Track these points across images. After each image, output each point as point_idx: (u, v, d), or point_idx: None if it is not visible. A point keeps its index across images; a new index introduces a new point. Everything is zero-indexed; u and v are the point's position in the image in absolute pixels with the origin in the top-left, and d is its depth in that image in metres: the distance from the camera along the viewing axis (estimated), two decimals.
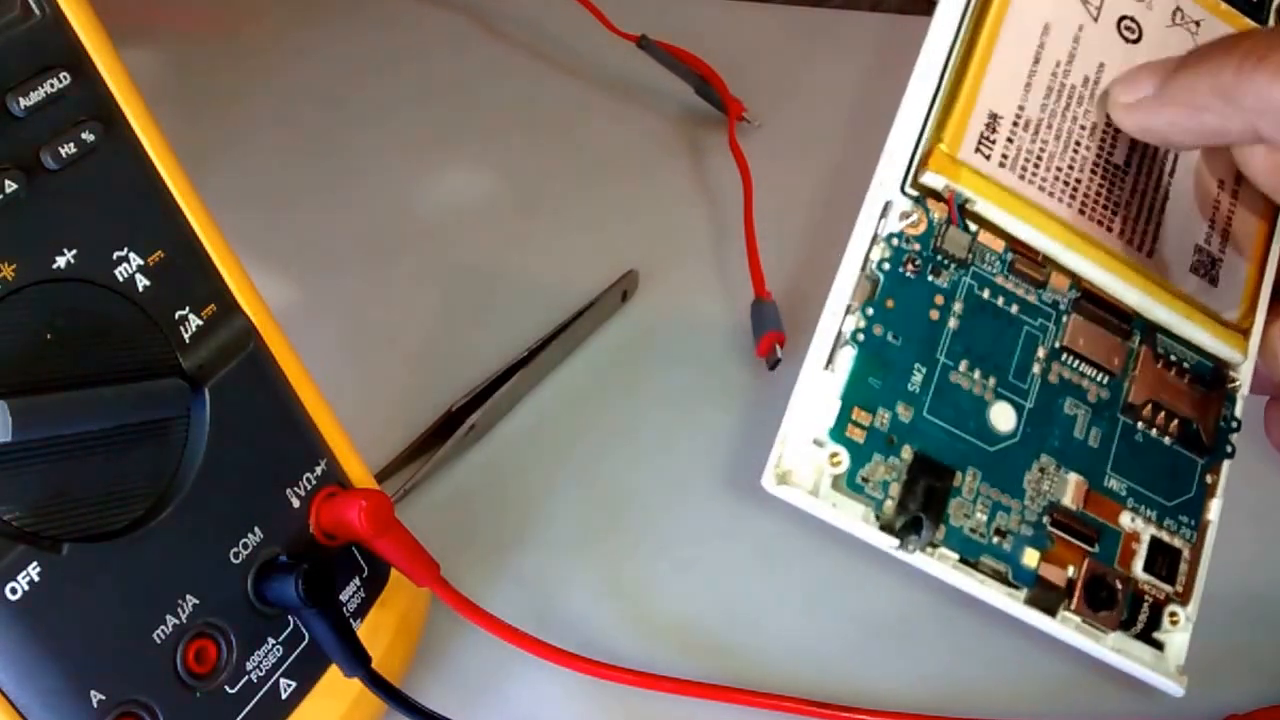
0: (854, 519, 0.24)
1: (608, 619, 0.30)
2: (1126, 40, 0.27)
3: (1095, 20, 0.27)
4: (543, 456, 0.35)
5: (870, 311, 0.25)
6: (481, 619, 0.26)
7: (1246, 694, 0.28)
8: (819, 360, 0.25)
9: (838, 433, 0.24)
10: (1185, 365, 0.27)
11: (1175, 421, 0.26)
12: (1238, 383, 0.27)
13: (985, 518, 0.25)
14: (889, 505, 0.24)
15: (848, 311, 0.25)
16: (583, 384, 0.37)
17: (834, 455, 0.24)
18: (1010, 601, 0.25)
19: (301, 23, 0.52)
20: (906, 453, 0.24)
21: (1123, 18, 0.27)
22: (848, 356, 0.24)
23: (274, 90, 0.49)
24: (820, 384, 0.24)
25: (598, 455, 0.34)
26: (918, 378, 0.25)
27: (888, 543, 0.24)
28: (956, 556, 0.24)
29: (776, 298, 0.37)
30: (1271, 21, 0.29)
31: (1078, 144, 0.26)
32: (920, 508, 0.24)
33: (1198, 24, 0.28)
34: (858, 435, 0.24)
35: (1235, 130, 0.24)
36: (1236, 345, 0.27)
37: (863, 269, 0.25)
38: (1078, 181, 0.26)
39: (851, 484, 0.24)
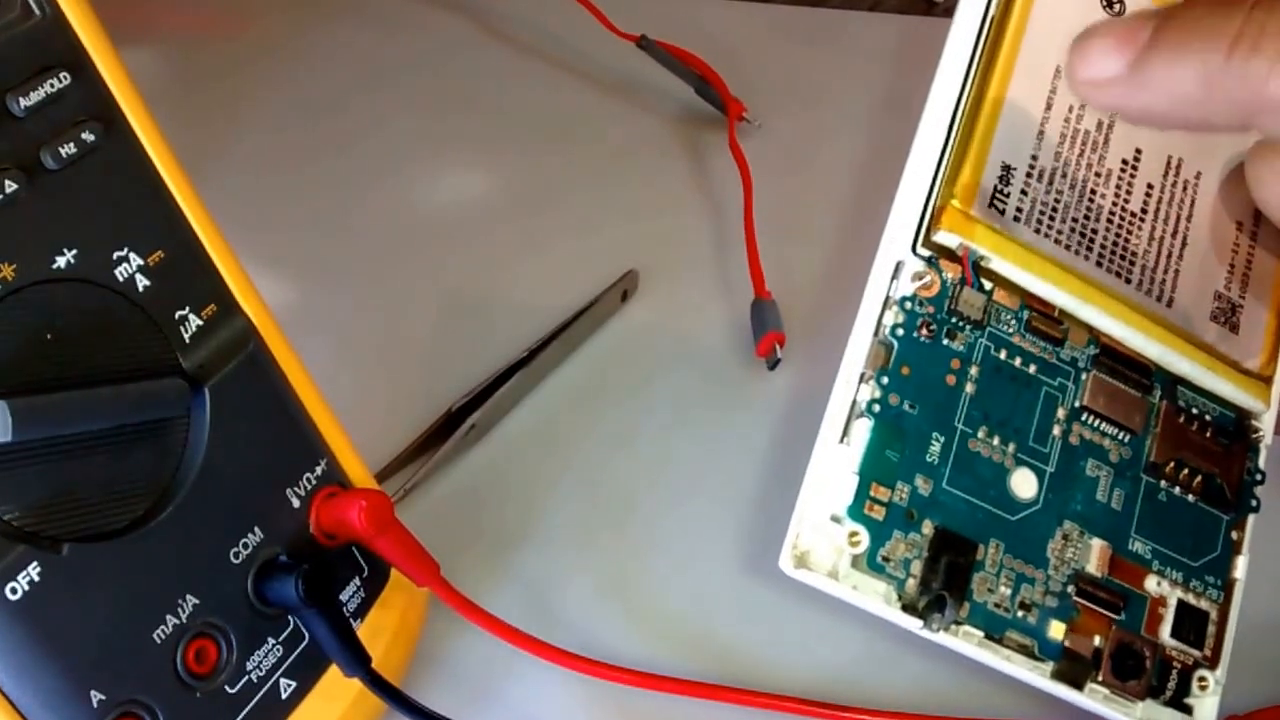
0: (875, 600, 0.23)
1: (608, 619, 0.30)
2: None
3: None
4: (543, 456, 0.35)
5: (885, 380, 0.24)
6: (481, 619, 0.26)
7: (1245, 695, 0.28)
8: (834, 433, 0.24)
9: (856, 510, 0.24)
10: (1207, 418, 0.26)
11: (1198, 478, 0.26)
12: (1260, 433, 0.26)
13: (1009, 591, 0.24)
14: (911, 584, 0.24)
15: (862, 380, 0.24)
16: (583, 384, 0.37)
17: (853, 535, 0.23)
18: (1036, 676, 0.24)
19: (302, 24, 0.52)
20: (927, 527, 0.24)
21: None
22: (864, 429, 0.24)
23: (275, 91, 0.49)
24: (836, 458, 0.24)
25: (598, 455, 0.34)
26: (936, 447, 0.24)
27: (911, 623, 0.24)
28: (981, 633, 0.24)
29: (776, 297, 0.37)
30: None
31: (1093, 192, 0.25)
32: (943, 585, 0.24)
33: None
34: (877, 512, 0.24)
35: (1222, 122, 0.21)
36: (1259, 394, 0.26)
37: (875, 334, 0.24)
38: (1093, 232, 0.25)
39: (872, 563, 0.24)
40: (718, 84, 0.45)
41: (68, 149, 0.21)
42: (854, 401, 0.24)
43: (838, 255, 0.40)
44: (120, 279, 0.22)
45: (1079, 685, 0.24)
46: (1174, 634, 0.25)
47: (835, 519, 0.24)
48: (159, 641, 0.22)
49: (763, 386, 0.36)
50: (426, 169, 0.45)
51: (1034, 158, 0.25)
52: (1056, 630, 0.24)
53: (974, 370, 0.25)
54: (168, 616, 0.22)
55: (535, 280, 0.40)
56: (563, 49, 0.50)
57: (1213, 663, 0.25)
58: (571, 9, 0.47)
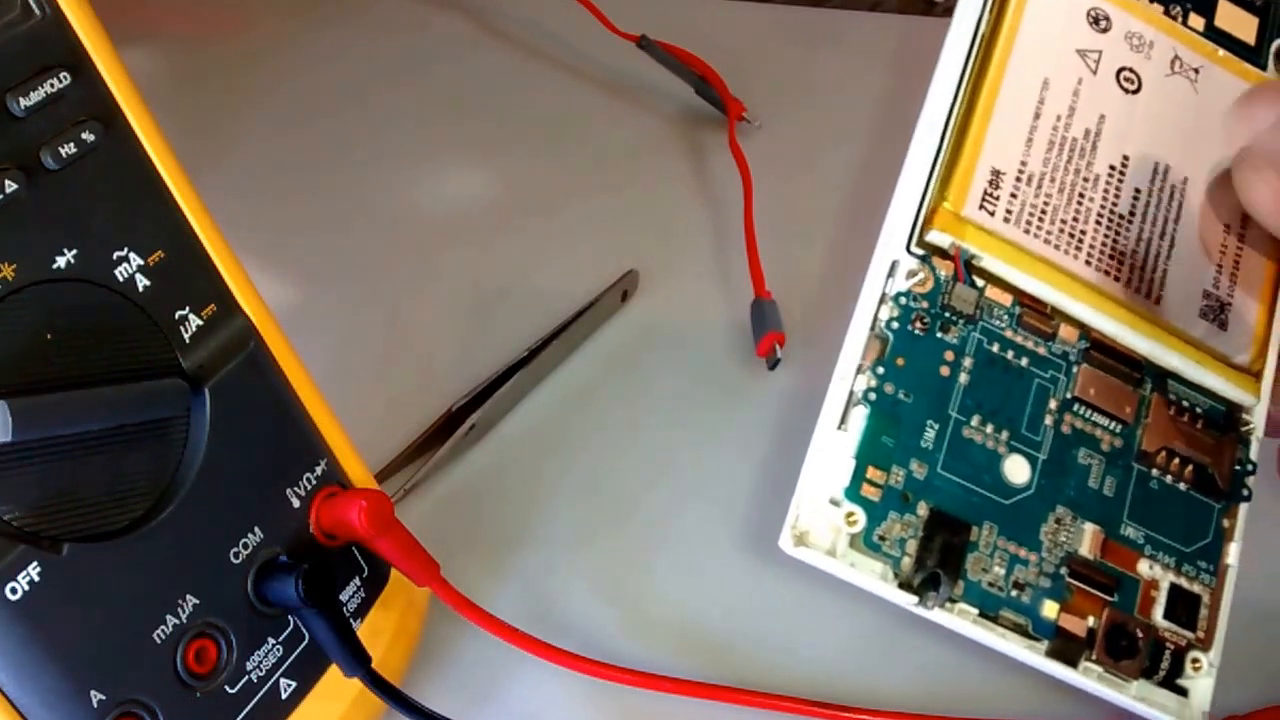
0: (872, 577, 0.24)
1: (608, 619, 0.30)
2: (1126, 91, 0.27)
3: (1094, 73, 0.27)
4: (543, 456, 0.35)
5: (881, 370, 0.25)
6: (481, 619, 0.26)
7: (1245, 695, 0.28)
8: (832, 420, 0.25)
9: (853, 492, 0.24)
10: (1198, 410, 0.27)
11: (1190, 467, 0.26)
12: (1251, 425, 0.27)
13: (1003, 571, 0.25)
14: (906, 562, 0.24)
15: (859, 371, 0.25)
16: (583, 384, 0.37)
17: (850, 515, 0.24)
18: (1031, 654, 0.25)
19: (301, 25, 0.52)
20: (922, 509, 0.25)
21: (1121, 69, 0.27)
22: (860, 416, 0.25)
23: (275, 92, 0.49)
24: (834, 444, 0.25)
25: (598, 455, 0.34)
26: (931, 434, 0.25)
27: (907, 600, 0.24)
28: (976, 611, 0.25)
29: (776, 297, 0.37)
30: (1270, 67, 0.29)
31: (1081, 195, 0.26)
32: (938, 564, 0.24)
33: (1196, 71, 0.28)
34: (873, 494, 0.24)
35: None
36: (1248, 388, 0.27)
37: (872, 328, 0.25)
38: (1082, 233, 0.26)
39: (868, 542, 0.24)
40: (718, 84, 0.45)
41: (68, 149, 0.21)
42: (851, 391, 0.25)
43: (838, 255, 0.40)
44: (120, 279, 0.22)
45: (1073, 663, 0.25)
46: (1167, 615, 0.26)
47: (833, 501, 0.24)
48: (159, 641, 0.22)
49: (763, 386, 0.36)
50: (426, 169, 0.45)
51: (1023, 163, 0.26)
52: (1050, 610, 0.25)
53: (967, 362, 0.26)
54: (168, 616, 0.22)
55: (535, 280, 0.40)
56: (563, 49, 0.50)
57: (1206, 644, 0.26)
58: (571, 9, 0.47)
